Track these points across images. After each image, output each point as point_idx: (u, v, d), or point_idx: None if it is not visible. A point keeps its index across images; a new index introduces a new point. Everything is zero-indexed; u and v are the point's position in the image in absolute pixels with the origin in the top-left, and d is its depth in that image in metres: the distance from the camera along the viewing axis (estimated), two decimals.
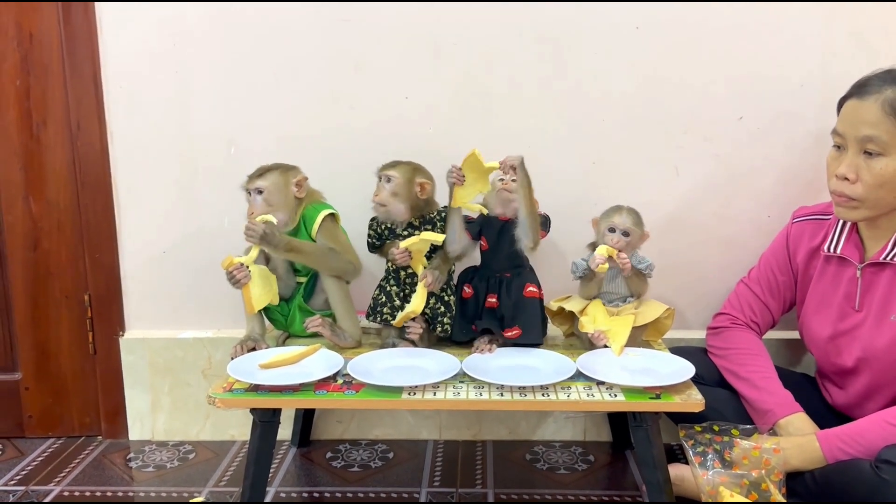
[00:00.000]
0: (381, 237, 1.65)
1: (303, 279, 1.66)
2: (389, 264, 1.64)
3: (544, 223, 1.58)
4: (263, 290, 1.60)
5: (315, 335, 1.63)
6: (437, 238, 1.55)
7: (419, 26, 1.73)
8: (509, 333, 1.56)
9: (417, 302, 1.56)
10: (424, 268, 1.58)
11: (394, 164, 1.59)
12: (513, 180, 1.52)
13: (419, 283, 1.57)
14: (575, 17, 1.71)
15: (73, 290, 1.88)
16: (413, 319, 1.59)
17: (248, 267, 1.56)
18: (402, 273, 1.62)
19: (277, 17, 1.73)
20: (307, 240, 1.61)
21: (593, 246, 1.61)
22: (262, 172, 1.59)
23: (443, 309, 1.60)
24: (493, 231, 1.58)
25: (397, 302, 1.62)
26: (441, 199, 1.63)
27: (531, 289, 1.58)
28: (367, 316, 1.65)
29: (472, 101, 1.76)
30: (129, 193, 1.83)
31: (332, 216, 1.65)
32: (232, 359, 1.54)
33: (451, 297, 1.61)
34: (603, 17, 1.71)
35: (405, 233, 1.61)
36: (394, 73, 1.75)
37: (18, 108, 1.80)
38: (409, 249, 1.56)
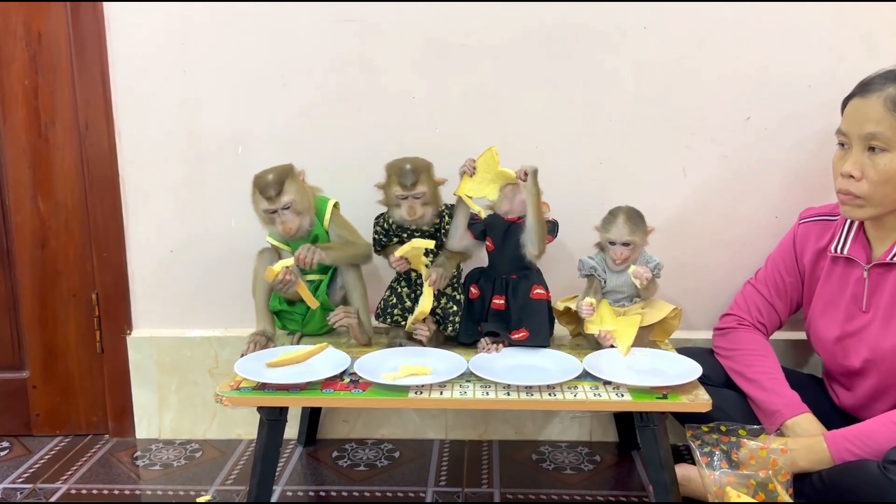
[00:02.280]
0: (388, 233, 1.65)
1: (314, 277, 1.66)
2: None
3: (552, 229, 1.58)
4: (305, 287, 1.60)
5: (329, 332, 1.66)
6: (428, 244, 1.55)
7: (426, 26, 1.73)
8: (516, 336, 1.56)
9: (426, 303, 1.56)
10: (427, 266, 1.58)
11: (415, 181, 1.55)
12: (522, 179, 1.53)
13: (425, 284, 1.57)
14: (582, 17, 1.71)
15: (81, 289, 1.89)
16: (423, 320, 1.59)
17: (290, 268, 1.57)
18: (413, 273, 1.62)
19: (285, 17, 1.74)
20: (320, 231, 1.64)
21: (600, 246, 1.61)
22: (278, 188, 1.55)
23: (455, 308, 1.60)
24: (499, 232, 1.58)
25: (408, 303, 1.62)
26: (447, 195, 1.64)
27: (538, 291, 1.57)
28: (377, 317, 1.65)
29: (480, 101, 1.76)
30: (136, 193, 1.84)
31: (336, 205, 1.67)
32: (243, 355, 1.55)
33: (462, 296, 1.62)
34: (611, 17, 1.71)
35: (413, 227, 1.62)
36: (401, 73, 1.75)
37: (27, 107, 1.80)
38: (404, 257, 1.56)
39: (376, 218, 1.67)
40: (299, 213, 1.58)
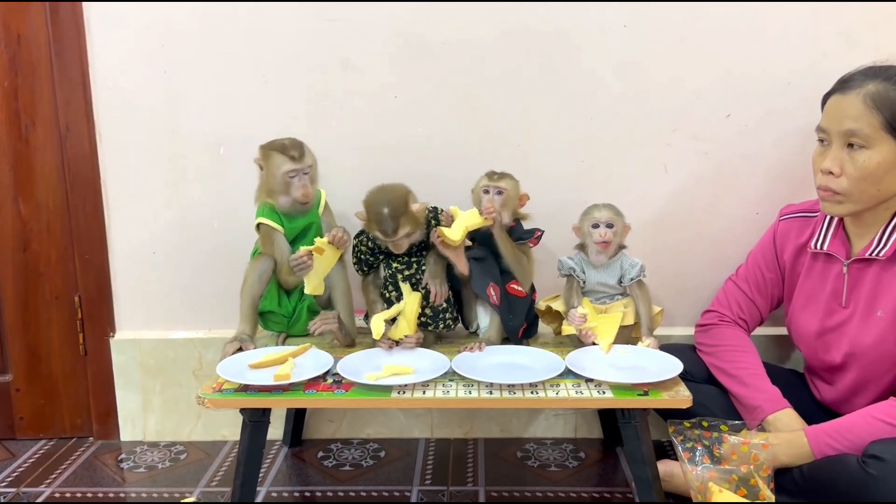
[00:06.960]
0: (374, 252, 1.61)
1: None
2: (387, 272, 1.61)
3: (538, 236, 1.61)
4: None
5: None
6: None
7: (408, 25, 1.72)
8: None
9: (405, 329, 1.55)
10: (429, 279, 1.57)
11: (395, 227, 1.51)
12: (498, 192, 1.56)
13: (409, 307, 1.55)
14: (563, 15, 1.71)
15: (64, 291, 1.88)
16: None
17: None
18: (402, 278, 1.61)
19: (265, 16, 1.73)
20: (316, 217, 1.64)
21: (581, 247, 1.61)
22: (301, 150, 1.58)
23: (444, 305, 1.59)
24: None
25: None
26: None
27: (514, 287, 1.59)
28: (365, 318, 1.64)
29: (461, 100, 1.76)
30: (118, 194, 1.83)
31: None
32: (222, 358, 1.54)
33: (450, 292, 1.61)
34: (591, 15, 1.71)
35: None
36: (382, 72, 1.75)
37: (7, 109, 1.79)
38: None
39: (357, 237, 1.63)
40: (313, 181, 1.60)
